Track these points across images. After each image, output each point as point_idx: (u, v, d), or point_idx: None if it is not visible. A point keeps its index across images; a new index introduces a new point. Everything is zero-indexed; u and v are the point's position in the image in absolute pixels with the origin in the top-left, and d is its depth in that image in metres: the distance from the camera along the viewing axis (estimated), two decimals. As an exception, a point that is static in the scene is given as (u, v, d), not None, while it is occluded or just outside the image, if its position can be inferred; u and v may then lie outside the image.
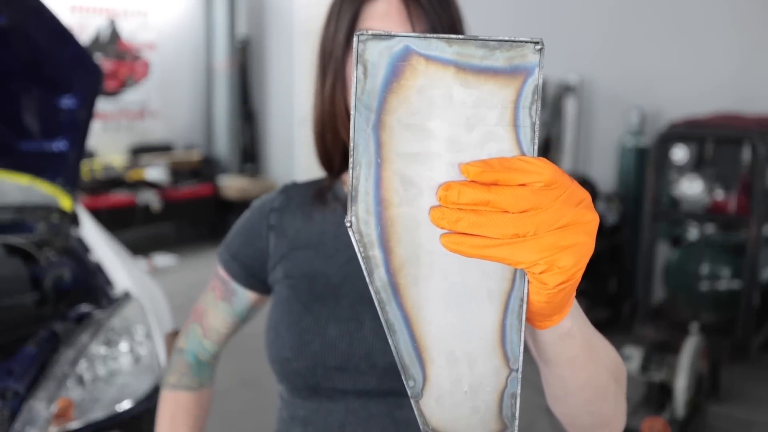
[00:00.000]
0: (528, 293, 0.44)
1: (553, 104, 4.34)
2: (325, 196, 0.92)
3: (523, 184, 0.41)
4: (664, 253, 3.71)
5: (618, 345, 3.20)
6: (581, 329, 0.53)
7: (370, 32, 0.41)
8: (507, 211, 0.41)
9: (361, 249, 0.43)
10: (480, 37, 0.41)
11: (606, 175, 4.33)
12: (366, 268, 0.44)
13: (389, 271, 0.44)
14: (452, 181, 0.42)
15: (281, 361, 0.85)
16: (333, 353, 0.83)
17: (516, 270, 0.44)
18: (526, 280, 0.44)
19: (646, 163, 3.87)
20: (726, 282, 3.20)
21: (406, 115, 0.42)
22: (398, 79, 0.42)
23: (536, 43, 0.42)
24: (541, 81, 0.42)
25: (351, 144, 0.42)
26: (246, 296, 0.97)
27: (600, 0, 4.34)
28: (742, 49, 3.85)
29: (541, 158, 0.42)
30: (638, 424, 2.60)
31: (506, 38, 0.42)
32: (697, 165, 3.28)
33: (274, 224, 0.93)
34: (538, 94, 0.42)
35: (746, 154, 3.26)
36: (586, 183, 3.93)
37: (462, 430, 0.46)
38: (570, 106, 4.31)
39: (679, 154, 3.22)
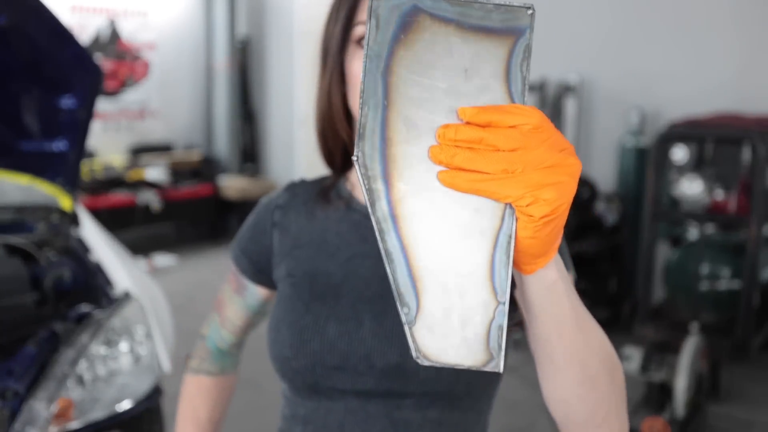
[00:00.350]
0: (516, 230, 0.48)
1: (553, 104, 4.34)
2: (329, 194, 0.93)
3: (514, 127, 0.46)
4: (664, 253, 3.71)
5: (618, 345, 3.19)
6: (568, 292, 0.55)
7: None
8: (498, 150, 0.46)
9: (365, 182, 0.48)
10: (479, 1, 0.47)
11: (606, 175, 4.33)
12: (369, 200, 0.48)
13: (390, 203, 0.48)
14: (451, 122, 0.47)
15: (281, 360, 0.86)
16: (332, 352, 0.83)
17: (506, 208, 0.48)
18: (515, 218, 0.48)
19: (646, 163, 3.87)
20: (726, 282, 3.20)
21: (411, 64, 0.47)
22: (406, 32, 0.47)
23: (528, 8, 0.47)
24: (531, 41, 0.47)
25: (361, 87, 0.47)
26: (256, 291, 0.99)
27: (600, 0, 4.34)
28: (742, 49, 3.85)
29: (530, 106, 0.47)
30: (638, 424, 2.61)
31: (502, 2, 0.47)
32: (697, 165, 3.28)
33: (277, 221, 0.94)
34: (528, 52, 0.47)
35: (746, 154, 3.26)
36: (586, 183, 3.94)
37: (451, 358, 0.49)
38: (570, 106, 4.31)
39: (679, 154, 3.22)
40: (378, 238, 0.48)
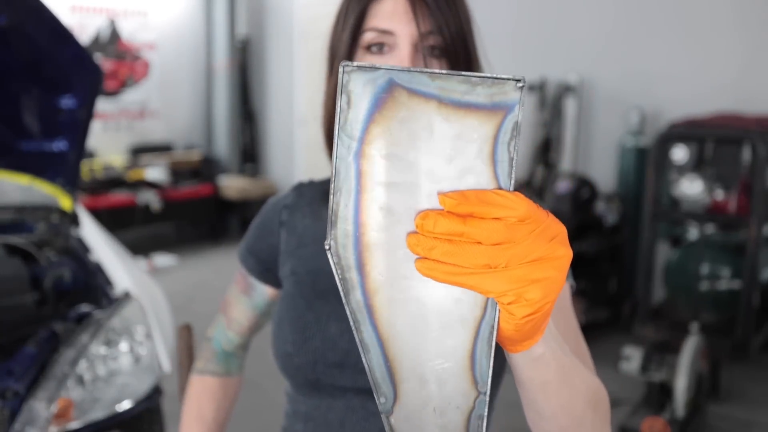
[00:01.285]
0: (498, 321, 0.45)
1: (553, 104, 4.34)
2: None
3: (498, 219, 0.42)
4: (664, 253, 3.70)
5: (618, 345, 3.17)
6: (555, 355, 0.53)
7: (354, 64, 0.42)
8: (480, 243, 0.42)
9: (339, 271, 0.45)
10: (462, 73, 0.42)
11: (606, 175, 4.33)
12: (342, 290, 0.45)
13: (365, 294, 0.45)
14: (430, 210, 0.43)
15: (283, 356, 0.87)
16: (333, 350, 0.84)
17: (488, 298, 0.45)
18: (497, 308, 0.45)
19: (646, 163, 3.86)
20: (726, 282, 3.20)
21: (387, 146, 0.43)
22: (381, 111, 0.43)
23: (518, 81, 0.42)
24: (520, 118, 0.43)
25: (332, 171, 0.43)
26: (263, 291, 1.00)
27: (601, 0, 4.34)
28: (742, 49, 3.85)
29: (516, 193, 0.43)
30: (638, 424, 2.60)
31: (488, 75, 0.43)
32: (697, 165, 3.28)
33: (285, 221, 0.95)
34: (517, 131, 0.43)
35: (746, 154, 3.26)
36: (586, 183, 3.93)
37: None
38: (570, 106, 4.31)
39: (679, 154, 3.22)
40: (353, 327, 0.46)
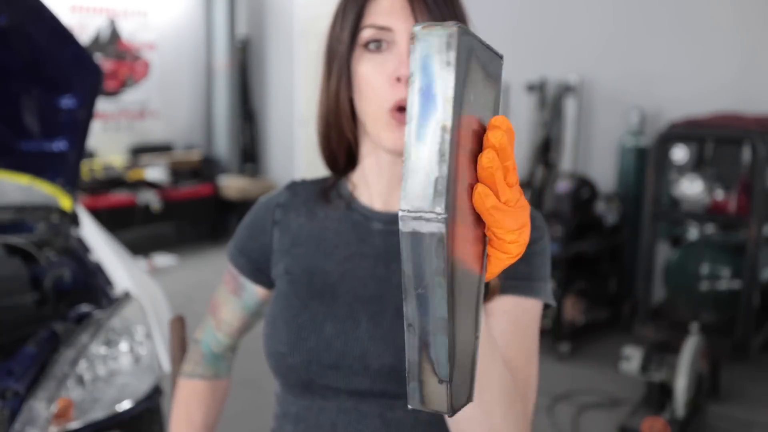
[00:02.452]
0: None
1: (553, 104, 4.34)
2: (329, 194, 0.93)
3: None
4: (664, 253, 3.70)
5: (618, 345, 3.16)
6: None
7: (461, 27, 0.42)
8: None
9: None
10: (489, 46, 0.45)
11: (606, 175, 4.33)
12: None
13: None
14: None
15: (276, 356, 0.87)
16: (328, 351, 0.84)
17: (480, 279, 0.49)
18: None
19: (646, 163, 3.86)
20: (726, 282, 3.20)
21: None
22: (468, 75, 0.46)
23: (501, 56, 0.46)
24: (500, 90, 0.47)
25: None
26: (254, 291, 0.98)
27: (601, 0, 4.34)
28: (742, 49, 3.85)
29: None
30: (638, 424, 2.61)
31: (493, 48, 0.45)
32: (697, 165, 3.28)
33: (278, 220, 0.94)
34: (497, 102, 0.47)
35: (746, 154, 3.25)
36: (586, 183, 3.94)
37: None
38: (570, 106, 4.31)
39: (679, 154, 3.22)
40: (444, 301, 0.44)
